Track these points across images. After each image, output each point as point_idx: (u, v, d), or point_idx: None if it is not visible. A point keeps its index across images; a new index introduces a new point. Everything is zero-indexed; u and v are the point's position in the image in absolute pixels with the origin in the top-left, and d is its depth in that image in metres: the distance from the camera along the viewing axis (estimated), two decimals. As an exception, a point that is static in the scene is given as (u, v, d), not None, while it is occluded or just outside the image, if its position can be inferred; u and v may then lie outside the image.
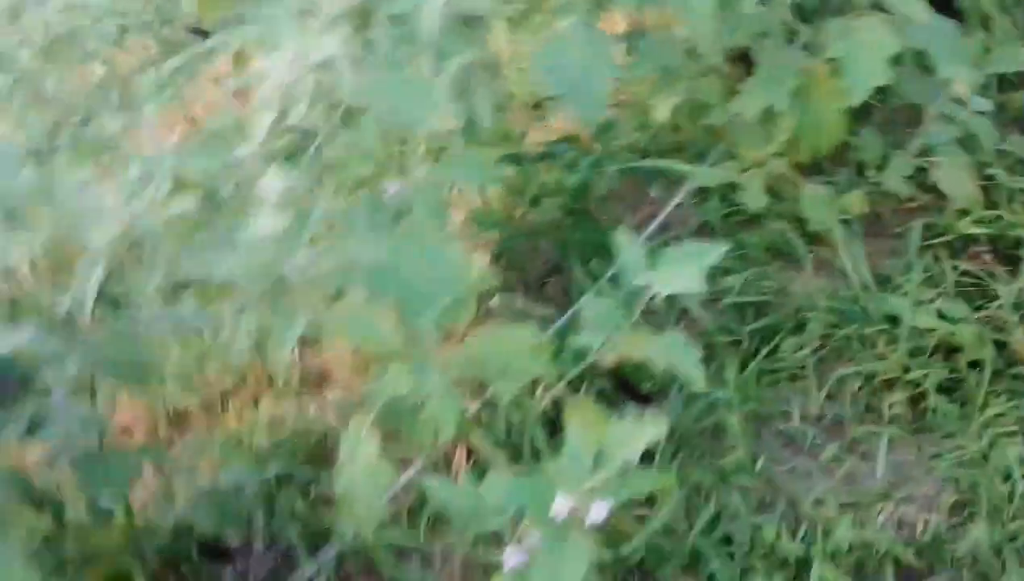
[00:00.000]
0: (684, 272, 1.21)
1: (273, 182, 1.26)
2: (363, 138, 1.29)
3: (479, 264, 1.34)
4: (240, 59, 1.89)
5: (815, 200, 1.62)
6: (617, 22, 1.74)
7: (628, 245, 1.27)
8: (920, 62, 1.51)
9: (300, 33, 1.23)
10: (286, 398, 2.00)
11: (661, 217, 1.79)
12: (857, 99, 1.41)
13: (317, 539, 1.65)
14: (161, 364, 1.64)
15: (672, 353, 1.27)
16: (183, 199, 1.24)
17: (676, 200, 1.85)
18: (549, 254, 1.98)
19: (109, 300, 1.47)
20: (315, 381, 2.04)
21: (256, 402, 2.01)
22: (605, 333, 1.31)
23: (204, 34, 2.48)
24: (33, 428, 1.36)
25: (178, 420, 2.06)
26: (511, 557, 1.10)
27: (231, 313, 1.39)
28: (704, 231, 1.83)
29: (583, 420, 1.17)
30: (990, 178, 1.57)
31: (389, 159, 1.35)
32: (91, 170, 1.39)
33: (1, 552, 1.19)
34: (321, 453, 1.86)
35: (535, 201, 1.95)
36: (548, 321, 1.78)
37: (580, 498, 1.03)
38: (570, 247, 1.91)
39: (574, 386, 1.45)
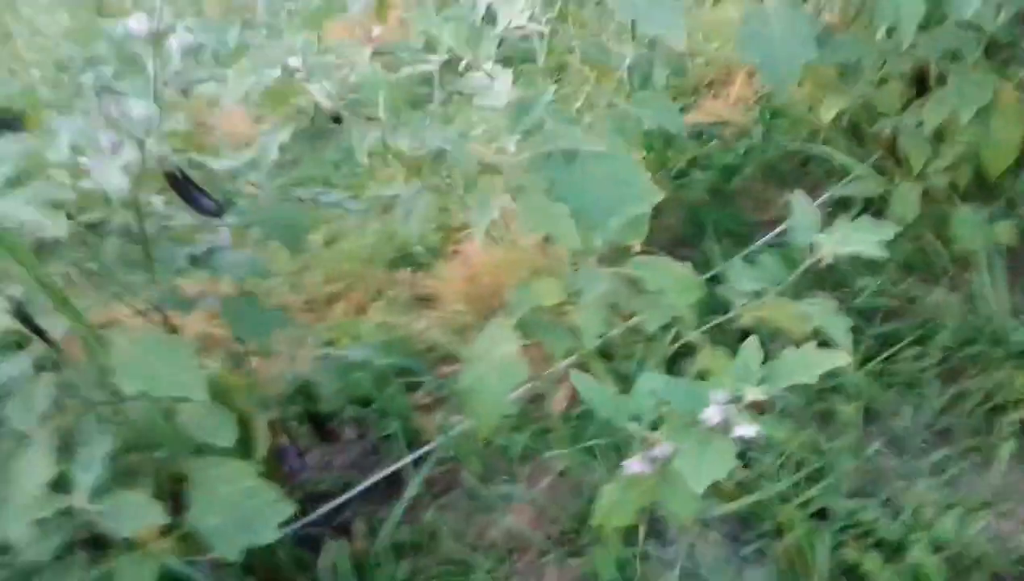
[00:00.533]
0: (861, 237, 1.27)
1: (501, 71, 1.33)
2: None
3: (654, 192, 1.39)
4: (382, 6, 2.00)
5: (967, 221, 1.66)
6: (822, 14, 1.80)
7: (803, 205, 1.33)
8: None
9: None
10: (396, 310, 2.08)
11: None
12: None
13: (412, 437, 1.73)
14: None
15: (824, 318, 1.33)
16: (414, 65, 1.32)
17: (819, 202, 1.90)
18: (681, 230, 2.04)
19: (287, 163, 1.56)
20: (424, 303, 2.12)
21: (363, 310, 2.10)
22: (757, 286, 1.37)
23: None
24: (198, 261, 1.45)
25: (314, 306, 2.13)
26: (632, 466, 1.16)
27: (411, 193, 1.47)
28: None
29: (713, 363, 1.22)
30: None
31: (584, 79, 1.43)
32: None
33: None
34: (427, 360, 1.94)
35: (681, 174, 2.02)
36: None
37: (732, 412, 1.07)
38: (706, 225, 1.97)
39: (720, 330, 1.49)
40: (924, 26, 1.57)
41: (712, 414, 1.07)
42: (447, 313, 1.99)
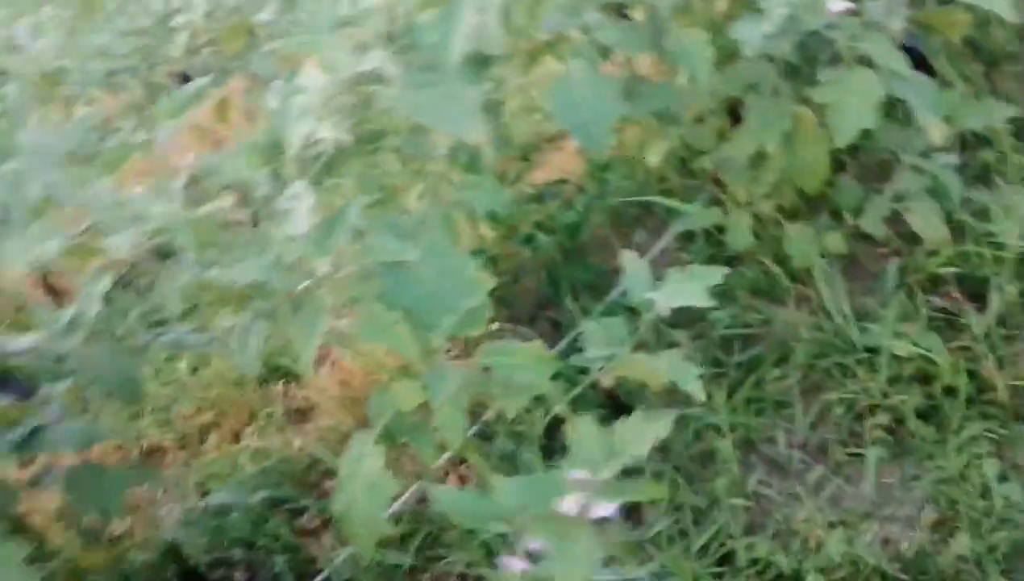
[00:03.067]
0: (689, 288, 1.29)
1: (304, 190, 1.31)
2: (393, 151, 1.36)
3: (489, 281, 1.39)
4: (224, 107, 1.97)
5: (798, 239, 1.73)
6: (616, 69, 1.86)
7: (634, 264, 1.35)
8: (896, 116, 1.65)
9: (338, 47, 1.31)
10: (270, 430, 2.01)
11: (648, 257, 1.88)
12: (844, 141, 1.53)
13: (304, 568, 1.66)
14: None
15: (672, 369, 1.34)
16: (213, 202, 1.29)
17: (663, 242, 1.95)
18: (540, 291, 2.05)
19: (114, 311, 1.49)
20: (299, 416, 2.06)
21: (237, 437, 2.01)
22: (608, 350, 1.38)
23: (186, 79, 2.56)
24: (24, 445, 1.37)
25: (152, 455, 2.05)
26: (511, 564, 1.13)
27: (244, 323, 1.43)
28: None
29: (590, 425, 1.22)
30: (958, 223, 1.69)
31: (412, 176, 1.43)
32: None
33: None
34: (307, 482, 1.87)
35: (528, 239, 2.03)
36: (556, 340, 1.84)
37: (589, 495, 1.06)
38: (562, 283, 1.99)
39: (572, 409, 1.50)
40: (721, 64, 1.65)
41: (569, 505, 1.06)
42: (324, 424, 1.93)
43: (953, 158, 1.68)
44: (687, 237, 1.90)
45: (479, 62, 1.66)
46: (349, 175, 1.48)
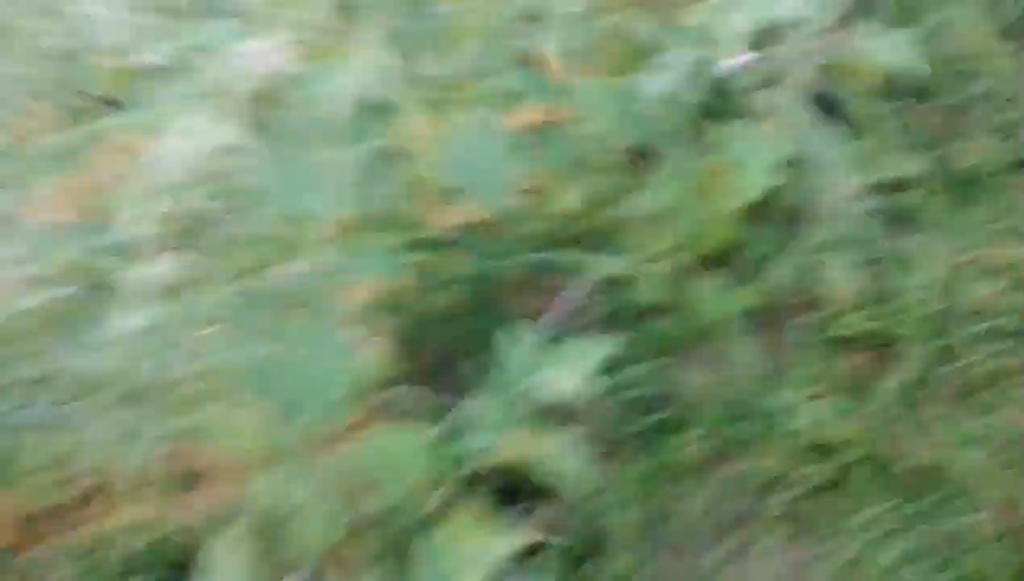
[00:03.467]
0: (571, 372, 1.21)
1: (158, 269, 1.22)
2: (258, 224, 1.27)
3: (372, 356, 1.30)
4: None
5: (707, 295, 1.65)
6: (526, 115, 1.77)
7: (514, 344, 1.26)
8: (810, 165, 1.57)
9: (199, 114, 1.20)
10: (149, 502, 1.89)
11: (556, 311, 1.80)
12: (750, 198, 1.45)
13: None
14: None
15: (557, 457, 1.27)
16: (57, 286, 1.19)
17: (575, 292, 1.87)
18: (450, 342, 1.96)
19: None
20: (184, 484, 1.95)
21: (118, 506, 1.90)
22: (489, 435, 1.30)
23: (116, 104, 2.43)
24: None
25: (29, 525, 1.92)
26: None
27: (95, 411, 1.33)
28: (607, 321, 1.85)
29: (457, 530, 1.14)
30: (874, 274, 1.62)
31: (284, 246, 1.33)
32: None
33: None
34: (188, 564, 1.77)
35: (440, 287, 1.94)
36: (447, 411, 1.76)
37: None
38: (469, 336, 1.90)
39: (463, 487, 1.42)
40: (626, 113, 1.56)
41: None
42: (208, 494, 1.83)
43: (870, 203, 1.61)
44: (608, 283, 1.82)
45: (375, 112, 1.57)
46: (213, 249, 1.37)
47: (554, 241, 1.90)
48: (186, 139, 1.26)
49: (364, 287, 1.86)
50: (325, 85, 1.42)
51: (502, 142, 1.54)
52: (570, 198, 1.78)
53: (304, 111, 1.41)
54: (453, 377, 1.92)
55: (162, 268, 1.22)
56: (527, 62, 1.73)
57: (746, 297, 1.64)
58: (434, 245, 2.01)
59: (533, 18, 1.60)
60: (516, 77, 1.63)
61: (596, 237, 1.84)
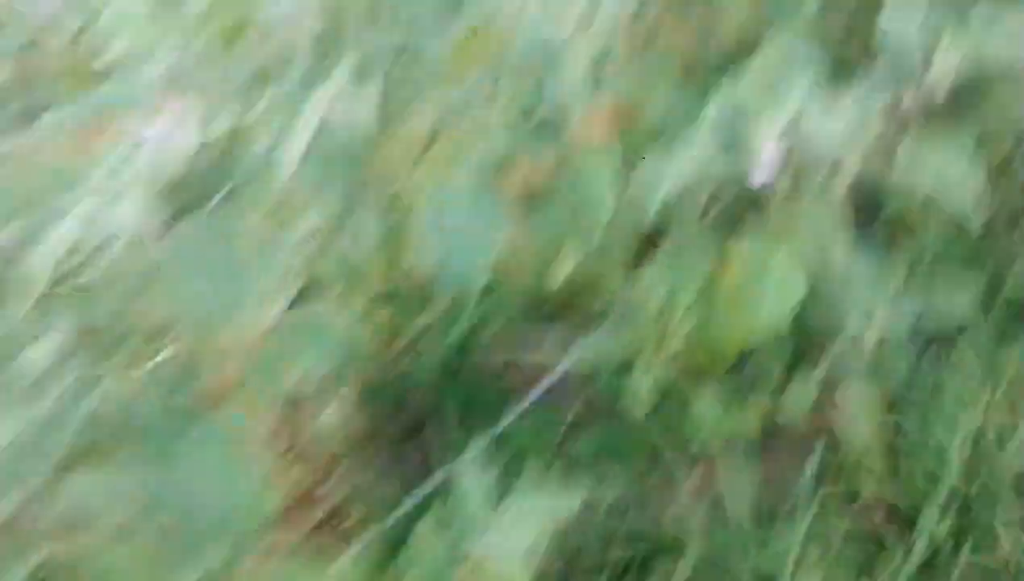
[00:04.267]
0: (521, 536, 0.99)
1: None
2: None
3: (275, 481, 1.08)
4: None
5: (703, 415, 1.44)
6: (521, 174, 1.56)
7: (465, 490, 1.05)
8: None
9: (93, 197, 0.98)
10: None
11: (538, 390, 1.59)
12: (761, 327, 1.24)
13: None
14: None
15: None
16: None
17: (554, 378, 1.66)
18: (420, 404, 1.76)
19: None
20: None
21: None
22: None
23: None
24: None
25: None
26: None
27: None
28: (591, 409, 1.64)
29: None
30: (896, 414, 1.40)
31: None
32: None
33: None
34: None
35: (410, 347, 1.74)
36: (407, 484, 1.56)
37: None
38: (442, 402, 1.70)
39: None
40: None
41: None
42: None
43: (904, 330, 1.40)
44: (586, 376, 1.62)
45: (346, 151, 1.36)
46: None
47: (545, 312, 1.71)
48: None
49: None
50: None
51: (489, 215, 1.33)
52: (559, 275, 1.57)
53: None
54: (423, 443, 1.73)
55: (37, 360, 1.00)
56: (530, 115, 1.53)
57: (749, 419, 1.42)
58: (413, 295, 1.82)
59: (544, 69, 1.39)
60: (515, 131, 1.42)
61: (584, 319, 1.64)
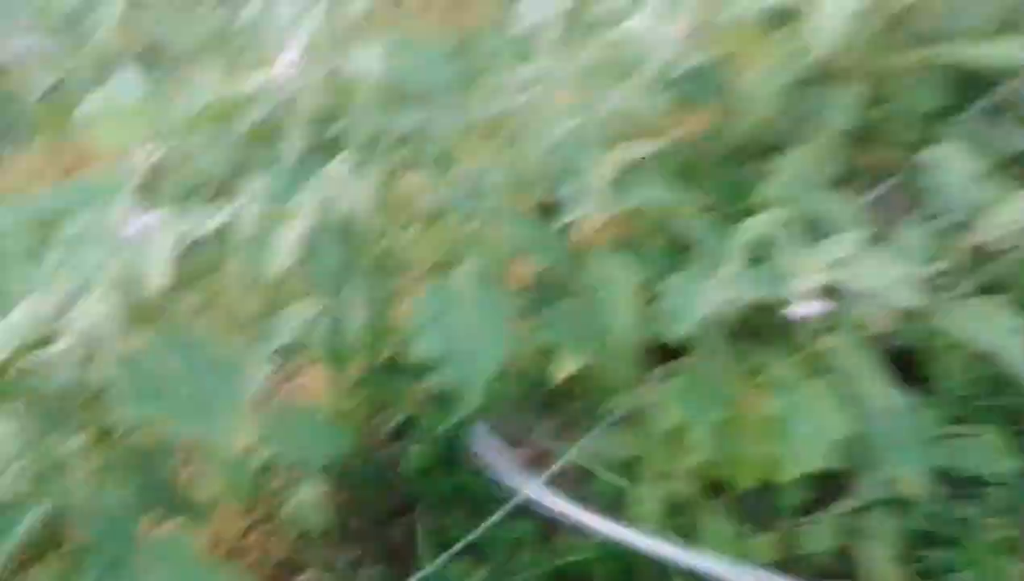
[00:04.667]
0: None
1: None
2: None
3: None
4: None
5: (718, 534, 1.33)
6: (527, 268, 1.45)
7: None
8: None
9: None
10: None
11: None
12: (793, 463, 1.14)
13: None
14: None
15: None
16: None
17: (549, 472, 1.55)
18: (403, 492, 1.64)
19: None
20: None
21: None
22: None
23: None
24: None
25: None
26: None
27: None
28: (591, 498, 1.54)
29: None
30: (921, 562, 1.30)
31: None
32: None
33: None
34: None
35: (396, 435, 1.62)
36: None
37: None
38: (427, 493, 1.59)
39: None
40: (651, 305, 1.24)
41: None
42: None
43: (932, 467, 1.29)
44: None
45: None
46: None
47: (542, 409, 1.60)
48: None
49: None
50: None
51: (496, 317, 1.23)
52: (564, 372, 1.47)
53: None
54: (402, 533, 1.61)
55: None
56: (541, 209, 1.42)
57: (764, 550, 1.32)
58: (406, 371, 1.70)
59: (560, 167, 1.28)
60: (523, 225, 1.32)
61: (584, 414, 1.54)
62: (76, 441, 0.93)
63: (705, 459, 1.29)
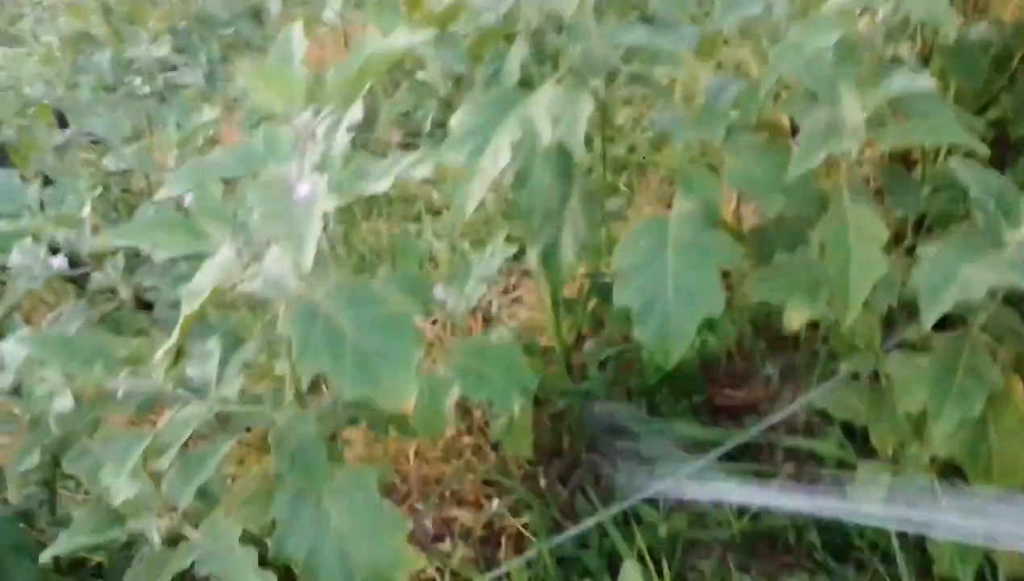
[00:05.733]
0: None
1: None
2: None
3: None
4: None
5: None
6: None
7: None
8: None
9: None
10: None
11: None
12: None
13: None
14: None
15: None
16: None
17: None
18: (608, 417, 1.58)
19: None
20: None
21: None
22: None
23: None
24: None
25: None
26: None
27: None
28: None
29: None
30: None
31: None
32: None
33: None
34: None
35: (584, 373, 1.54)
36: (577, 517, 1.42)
37: None
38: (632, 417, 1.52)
39: None
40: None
41: None
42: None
43: None
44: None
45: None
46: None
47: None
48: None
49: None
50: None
51: (711, 275, 1.09)
52: (801, 315, 1.29)
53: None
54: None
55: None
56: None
57: (1007, 562, 1.12)
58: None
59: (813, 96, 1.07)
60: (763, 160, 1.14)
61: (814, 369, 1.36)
62: (284, 365, 0.96)
63: (948, 455, 1.10)
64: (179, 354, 0.84)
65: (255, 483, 0.99)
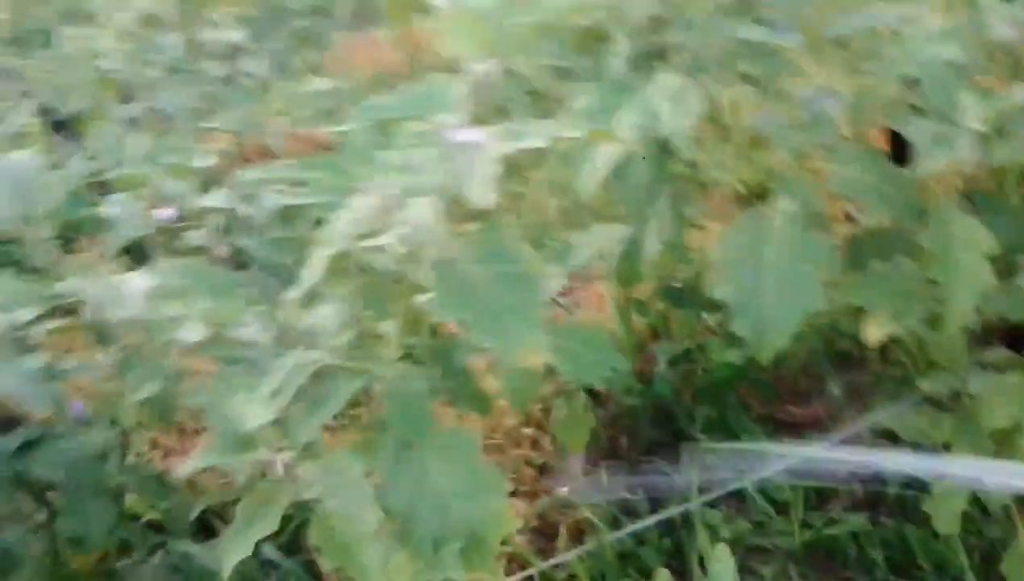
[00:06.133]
0: None
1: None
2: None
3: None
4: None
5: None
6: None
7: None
8: None
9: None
10: None
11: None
12: None
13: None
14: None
15: None
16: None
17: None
18: (672, 423, 1.59)
19: None
20: None
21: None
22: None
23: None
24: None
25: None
26: None
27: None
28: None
29: None
30: None
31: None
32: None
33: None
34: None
35: (678, 361, 1.55)
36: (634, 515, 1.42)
37: None
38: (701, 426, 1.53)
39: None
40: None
41: None
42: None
43: None
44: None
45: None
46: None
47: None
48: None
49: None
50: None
51: (809, 264, 1.10)
52: (881, 330, 1.30)
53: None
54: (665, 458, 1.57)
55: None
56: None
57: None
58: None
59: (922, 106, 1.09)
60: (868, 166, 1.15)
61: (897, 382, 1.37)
62: (390, 325, 0.97)
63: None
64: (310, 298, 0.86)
65: (356, 435, 1.00)
